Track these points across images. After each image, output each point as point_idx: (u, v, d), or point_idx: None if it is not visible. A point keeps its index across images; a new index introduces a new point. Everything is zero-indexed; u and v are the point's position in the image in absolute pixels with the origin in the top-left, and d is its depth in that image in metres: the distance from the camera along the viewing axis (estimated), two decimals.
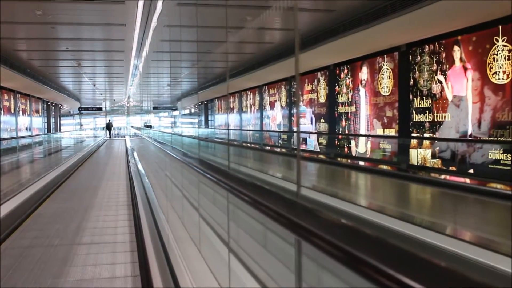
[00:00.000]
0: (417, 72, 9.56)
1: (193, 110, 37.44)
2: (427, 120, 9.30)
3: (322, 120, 14.10)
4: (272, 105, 18.68)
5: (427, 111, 9.30)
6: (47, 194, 8.93)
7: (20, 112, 21.22)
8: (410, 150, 9.76)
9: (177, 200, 5.14)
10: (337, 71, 12.99)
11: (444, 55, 8.83)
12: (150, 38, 10.06)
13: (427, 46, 9.26)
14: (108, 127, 37.95)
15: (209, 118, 31.18)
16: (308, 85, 15.04)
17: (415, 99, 9.62)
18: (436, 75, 9.02)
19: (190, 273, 3.58)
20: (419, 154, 9.52)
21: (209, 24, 9.57)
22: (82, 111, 39.65)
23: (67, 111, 40.02)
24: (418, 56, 9.50)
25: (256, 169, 9.69)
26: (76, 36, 11.56)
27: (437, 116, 9.04)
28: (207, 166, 2.75)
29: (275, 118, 18.40)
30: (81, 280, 4.31)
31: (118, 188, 9.90)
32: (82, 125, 42.50)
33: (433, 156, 9.13)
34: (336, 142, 13.20)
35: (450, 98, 8.71)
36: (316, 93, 14.46)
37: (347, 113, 12.48)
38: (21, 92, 20.90)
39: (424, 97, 9.36)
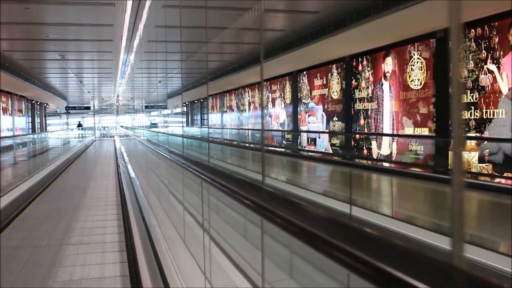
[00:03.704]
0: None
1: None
2: (473, 117, 7.88)
3: (336, 118, 12.65)
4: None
5: (472, 107, 7.88)
6: (35, 195, 8.84)
7: (1, 111, 19.56)
8: (450, 152, 8.33)
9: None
10: (354, 63, 11.54)
11: (496, 40, 7.41)
12: (144, 20, 8.47)
13: (472, 31, 7.84)
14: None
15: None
16: (318, 79, 13.59)
17: None
18: (486, 64, 7.60)
19: (180, 273, 3.53)
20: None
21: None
22: (69, 110, 38.06)
23: (53, 110, 38.36)
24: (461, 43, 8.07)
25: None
26: (56, 20, 9.92)
27: (486, 112, 7.62)
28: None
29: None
30: (70, 280, 4.31)
31: (107, 188, 9.95)
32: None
33: (481, 160, 7.71)
34: (353, 142, 11.75)
35: (504, 91, 7.30)
36: (328, 88, 13.00)
37: (367, 110, 11.03)
38: (1, 89, 19.20)
39: (469, 91, 7.94)
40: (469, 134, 7.97)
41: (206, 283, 3.05)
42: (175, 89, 28.26)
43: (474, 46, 7.80)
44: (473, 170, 7.87)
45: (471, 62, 7.86)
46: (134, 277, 4.27)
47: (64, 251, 5.23)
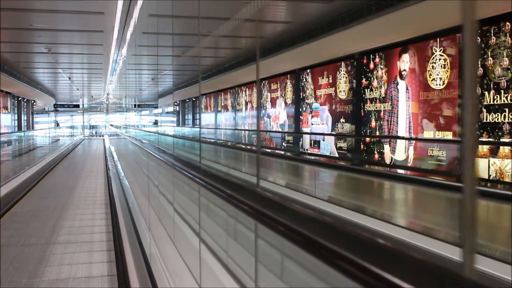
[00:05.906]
0: (490, 58, 7.31)
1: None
2: (507, 120, 7.05)
3: (343, 120, 11.79)
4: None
5: (507, 109, 7.05)
6: (23, 193, 8.75)
7: None
8: (478, 159, 7.50)
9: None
10: (365, 60, 10.68)
11: None
12: (139, 5, 7.49)
13: (508, 24, 7.02)
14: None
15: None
16: (323, 78, 12.72)
17: (486, 93, 7.38)
18: None
19: (168, 272, 3.47)
20: (492, 165, 7.27)
21: None
22: (57, 108, 36.95)
23: (41, 107, 37.15)
24: (493, 37, 7.26)
25: None
26: (40, 6, 8.94)
27: None
28: None
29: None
30: (56, 279, 4.27)
31: (95, 187, 9.88)
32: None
33: None
34: (363, 146, 10.89)
35: None
36: (334, 88, 12.13)
37: (379, 111, 10.18)
38: None
39: (502, 91, 7.12)
40: (503, 140, 7.15)
41: (194, 282, 2.96)
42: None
43: (510, 41, 6.98)
44: (506, 179, 7.05)
45: (506, 58, 7.04)
46: (121, 276, 4.22)
47: (52, 250, 5.18)
